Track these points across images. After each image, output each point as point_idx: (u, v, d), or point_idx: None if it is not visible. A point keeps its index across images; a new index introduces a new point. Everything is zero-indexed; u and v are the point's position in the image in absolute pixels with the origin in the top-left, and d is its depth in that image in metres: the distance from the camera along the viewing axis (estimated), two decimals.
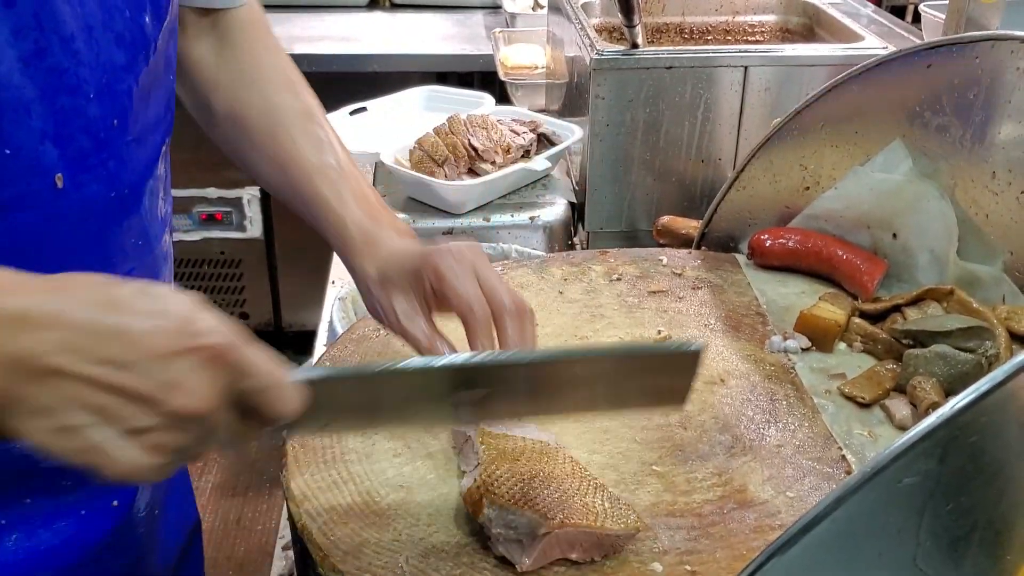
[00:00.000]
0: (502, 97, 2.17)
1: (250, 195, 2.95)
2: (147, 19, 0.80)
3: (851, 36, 1.68)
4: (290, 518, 0.82)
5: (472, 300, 0.80)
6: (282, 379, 0.61)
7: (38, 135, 0.72)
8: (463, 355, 0.70)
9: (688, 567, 0.74)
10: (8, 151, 0.70)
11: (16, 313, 0.56)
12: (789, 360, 1.03)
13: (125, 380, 0.56)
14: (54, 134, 0.73)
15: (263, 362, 0.60)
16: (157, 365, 0.56)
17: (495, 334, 0.81)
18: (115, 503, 0.90)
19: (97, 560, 0.89)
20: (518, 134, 1.69)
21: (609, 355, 0.75)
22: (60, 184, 0.74)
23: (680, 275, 1.20)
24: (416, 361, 0.73)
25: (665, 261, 1.23)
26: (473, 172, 1.63)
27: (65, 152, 0.74)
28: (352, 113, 1.99)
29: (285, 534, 1.16)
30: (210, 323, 0.58)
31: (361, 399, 0.69)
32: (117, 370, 0.56)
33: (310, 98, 1.00)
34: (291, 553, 1.08)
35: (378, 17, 3.12)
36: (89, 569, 0.89)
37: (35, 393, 0.56)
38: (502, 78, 2.20)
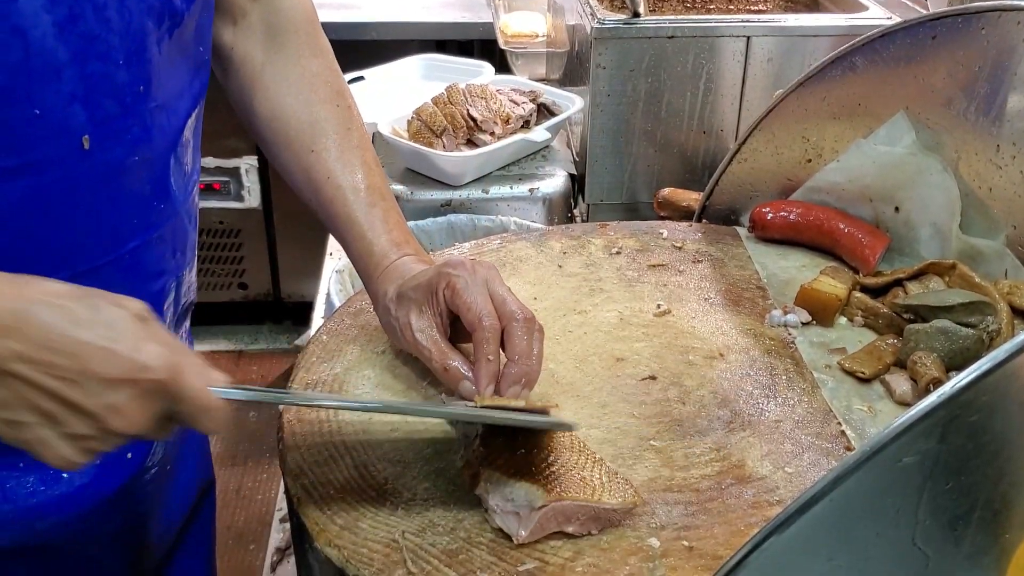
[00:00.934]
0: (502, 66, 2.15)
1: (248, 165, 2.93)
2: None
3: (855, 6, 1.66)
4: (286, 491, 0.82)
5: (482, 311, 0.83)
6: (212, 404, 0.68)
7: (67, 97, 0.75)
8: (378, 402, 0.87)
9: (685, 542, 0.74)
10: (38, 111, 0.73)
11: None
12: (789, 334, 1.02)
13: (74, 395, 0.63)
14: (83, 97, 0.76)
15: (197, 390, 0.67)
16: (104, 388, 0.63)
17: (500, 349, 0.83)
18: (129, 455, 0.93)
19: (109, 509, 0.92)
20: (518, 104, 1.67)
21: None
22: (86, 145, 0.77)
23: (680, 248, 1.19)
24: (347, 401, 0.88)
25: (665, 234, 1.22)
26: (472, 143, 1.61)
27: (93, 115, 0.77)
28: (350, 82, 1.96)
29: (283, 506, 1.16)
30: (155, 353, 0.65)
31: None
32: (68, 385, 0.63)
33: (351, 110, 1.01)
34: (288, 525, 1.08)
35: None
36: (101, 517, 0.92)
37: None
38: (502, 46, 2.18)
